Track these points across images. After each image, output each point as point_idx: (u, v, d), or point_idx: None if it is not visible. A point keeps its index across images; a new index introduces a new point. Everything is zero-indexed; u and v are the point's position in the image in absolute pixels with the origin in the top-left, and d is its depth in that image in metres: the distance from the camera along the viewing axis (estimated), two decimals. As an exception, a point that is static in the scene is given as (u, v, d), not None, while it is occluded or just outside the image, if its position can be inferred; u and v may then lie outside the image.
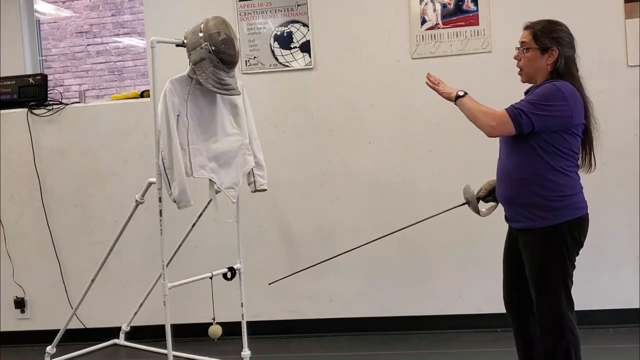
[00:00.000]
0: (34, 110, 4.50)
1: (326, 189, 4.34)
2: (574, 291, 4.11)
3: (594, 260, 4.15)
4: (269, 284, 3.84)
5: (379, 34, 4.23)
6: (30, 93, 4.52)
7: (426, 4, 4.17)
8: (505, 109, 2.56)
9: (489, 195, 2.92)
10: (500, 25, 4.10)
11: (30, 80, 4.55)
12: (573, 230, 2.64)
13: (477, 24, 4.13)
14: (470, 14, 4.14)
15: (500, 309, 4.30)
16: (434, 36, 4.18)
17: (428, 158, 4.22)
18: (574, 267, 2.70)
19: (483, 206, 2.97)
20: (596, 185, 4.12)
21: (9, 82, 4.56)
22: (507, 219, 2.82)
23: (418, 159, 4.23)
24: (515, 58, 2.75)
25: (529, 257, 2.70)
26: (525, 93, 2.79)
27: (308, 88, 4.31)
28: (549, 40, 2.64)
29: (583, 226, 2.70)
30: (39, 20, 5.64)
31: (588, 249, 4.11)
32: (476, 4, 4.13)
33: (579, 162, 2.72)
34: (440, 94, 2.77)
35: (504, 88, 4.08)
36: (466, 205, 2.98)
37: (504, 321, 4.18)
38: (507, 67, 4.08)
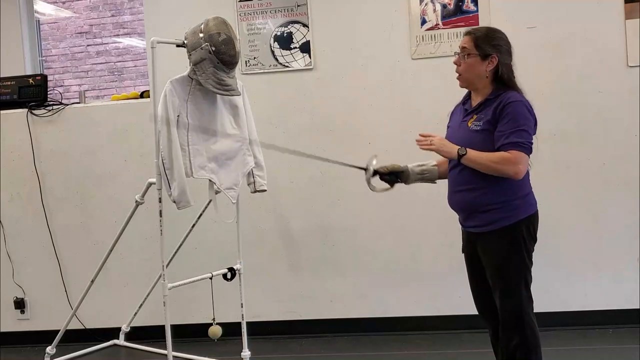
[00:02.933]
0: (34, 111, 4.50)
1: (326, 190, 4.34)
2: (575, 291, 4.16)
3: (594, 260, 4.16)
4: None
5: (379, 34, 4.23)
6: (30, 93, 4.52)
7: (426, 4, 4.17)
8: (516, 150, 2.57)
9: (388, 175, 2.90)
10: (500, 26, 4.03)
11: (30, 80, 4.55)
12: (529, 225, 2.71)
13: (477, 25, 4.12)
14: (470, 15, 4.14)
15: (500, 309, 4.30)
16: (434, 36, 4.18)
17: (428, 158, 4.20)
18: (532, 263, 2.76)
19: (378, 183, 2.91)
20: (596, 186, 4.14)
21: (9, 83, 4.56)
22: (464, 225, 2.85)
23: (418, 159, 4.21)
24: (455, 63, 2.77)
25: (489, 258, 2.74)
26: (463, 102, 2.83)
27: (308, 88, 4.31)
28: (489, 47, 2.68)
29: (536, 221, 2.76)
30: (39, 21, 5.64)
31: (588, 249, 4.16)
32: (476, 5, 4.13)
33: None
34: (442, 154, 2.73)
35: (504, 88, 4.10)
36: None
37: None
38: (507, 67, 4.11)
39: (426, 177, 2.96)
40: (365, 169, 2.88)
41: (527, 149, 2.60)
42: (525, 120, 2.62)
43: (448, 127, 2.95)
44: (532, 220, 2.73)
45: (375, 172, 2.88)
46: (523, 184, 2.70)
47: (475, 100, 2.78)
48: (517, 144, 2.58)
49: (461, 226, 2.89)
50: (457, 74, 2.77)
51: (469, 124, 2.73)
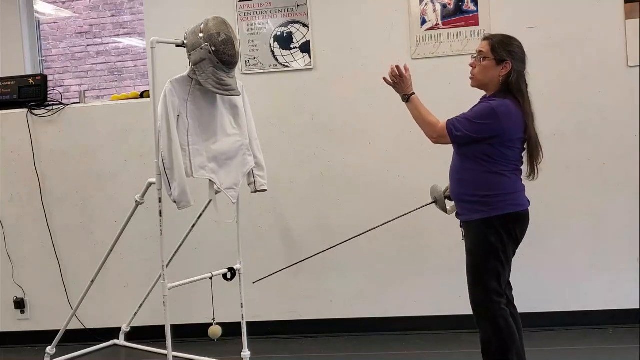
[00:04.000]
0: (34, 111, 4.51)
1: (326, 189, 4.34)
2: (577, 291, 4.16)
3: (594, 260, 4.16)
4: (253, 283, 3.85)
5: (379, 34, 4.23)
6: (30, 93, 4.52)
7: (426, 4, 4.18)
8: (447, 126, 2.81)
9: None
10: (500, 26, 4.09)
11: (30, 80, 4.55)
12: (507, 225, 2.81)
13: (477, 25, 4.13)
14: (470, 15, 4.14)
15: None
16: (434, 36, 4.18)
17: (428, 158, 4.21)
18: (509, 264, 2.87)
19: (448, 204, 3.20)
20: (596, 186, 4.14)
21: (9, 83, 4.55)
22: (457, 214, 3.05)
23: (418, 159, 4.23)
24: (471, 65, 2.93)
25: (467, 247, 2.93)
26: (481, 99, 2.99)
27: (308, 88, 4.31)
28: (505, 53, 2.83)
29: (519, 222, 2.86)
30: (39, 21, 5.63)
31: (588, 249, 4.16)
32: (476, 5, 4.13)
33: (526, 171, 2.92)
34: (396, 89, 3.01)
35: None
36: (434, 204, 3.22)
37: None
38: (507, 67, 4.12)
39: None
40: (436, 202, 3.21)
41: (454, 134, 2.79)
42: (479, 118, 2.77)
43: None
44: (509, 220, 2.82)
45: (445, 198, 3.17)
46: (504, 183, 2.82)
47: None
48: (452, 124, 2.80)
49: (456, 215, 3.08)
50: (470, 75, 2.94)
51: None
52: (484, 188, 2.82)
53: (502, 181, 2.82)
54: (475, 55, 2.91)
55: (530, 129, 2.84)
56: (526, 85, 2.88)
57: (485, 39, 2.91)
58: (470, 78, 2.94)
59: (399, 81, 2.96)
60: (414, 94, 2.97)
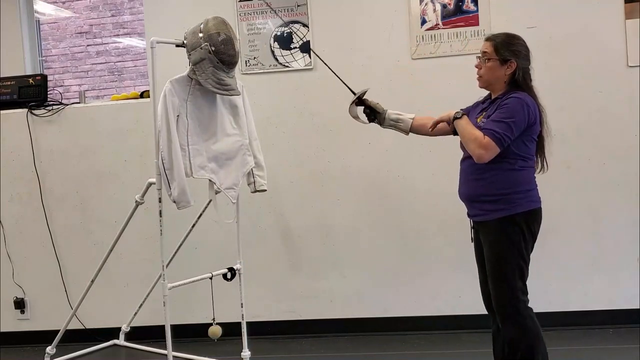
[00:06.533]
0: (33, 111, 4.50)
1: (326, 189, 4.34)
2: (575, 291, 4.16)
3: (594, 260, 4.16)
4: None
5: (379, 34, 4.23)
6: (30, 93, 4.52)
7: (426, 4, 4.18)
8: (489, 137, 2.73)
9: (368, 109, 3.18)
10: (500, 26, 4.08)
11: (30, 80, 4.55)
12: (528, 221, 2.80)
13: (477, 25, 4.13)
14: (470, 15, 4.14)
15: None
16: (434, 36, 4.18)
17: (428, 158, 4.22)
18: (529, 259, 2.85)
19: (359, 112, 3.20)
20: (596, 186, 4.14)
21: (9, 83, 4.55)
22: (468, 215, 3.00)
23: (418, 159, 4.23)
24: (476, 67, 2.94)
25: (487, 248, 2.86)
26: (483, 101, 3.00)
27: (308, 88, 4.31)
28: (508, 53, 2.85)
29: (536, 218, 2.86)
30: (38, 21, 5.64)
31: (588, 249, 4.16)
32: (476, 5, 4.13)
33: (537, 165, 2.93)
34: (443, 118, 2.99)
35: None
36: None
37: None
38: (507, 67, 4.11)
39: (399, 126, 3.21)
40: (354, 93, 3.16)
41: (499, 141, 2.72)
42: (513, 115, 2.73)
43: None
44: (531, 216, 2.82)
45: (361, 102, 3.16)
46: (524, 180, 2.82)
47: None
48: (493, 132, 2.72)
49: (468, 217, 3.01)
50: (478, 76, 2.94)
51: (478, 120, 2.88)
52: (506, 185, 2.79)
53: (523, 177, 2.82)
54: (479, 56, 2.93)
55: (543, 122, 2.86)
56: (531, 80, 2.90)
57: (488, 39, 2.92)
58: (477, 79, 2.95)
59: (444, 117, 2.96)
60: (459, 113, 2.90)
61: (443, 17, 4.16)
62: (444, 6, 4.16)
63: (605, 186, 4.12)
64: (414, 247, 4.28)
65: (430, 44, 4.18)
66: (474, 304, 4.19)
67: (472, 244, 3.03)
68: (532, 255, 2.86)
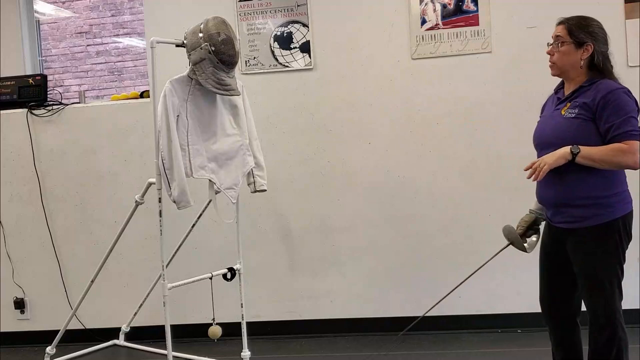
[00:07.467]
0: (33, 111, 4.50)
1: (326, 189, 4.34)
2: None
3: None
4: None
5: (379, 34, 4.23)
6: (30, 93, 4.52)
7: (426, 4, 4.17)
8: (630, 139, 2.48)
9: (528, 230, 2.86)
10: (500, 26, 4.10)
11: (30, 80, 4.55)
12: (626, 224, 2.60)
13: (477, 25, 4.13)
14: (470, 15, 4.14)
15: (501, 309, 4.31)
16: (434, 36, 4.18)
17: (428, 158, 4.22)
18: (625, 261, 2.65)
19: (527, 242, 2.87)
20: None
21: (8, 83, 4.55)
22: (552, 221, 2.72)
23: (418, 159, 4.23)
24: (548, 53, 2.71)
25: (581, 256, 2.63)
26: (556, 92, 2.78)
27: (308, 88, 4.31)
28: (584, 35, 2.64)
29: (631, 219, 2.64)
30: (38, 21, 5.63)
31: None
32: (476, 5, 4.13)
33: None
34: (559, 163, 2.55)
35: (504, 88, 4.10)
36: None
37: (504, 322, 4.20)
38: (507, 67, 4.12)
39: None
40: (513, 243, 2.82)
41: (638, 136, 2.49)
42: (630, 108, 2.54)
43: (540, 117, 2.86)
44: (628, 219, 2.61)
45: (522, 236, 2.84)
46: (618, 180, 2.59)
47: (569, 89, 2.70)
48: (629, 133, 2.48)
49: (549, 222, 2.77)
50: (550, 63, 2.70)
51: (563, 112, 2.64)
52: (602, 188, 2.54)
53: (619, 177, 2.58)
54: (551, 43, 2.70)
55: None
56: (611, 65, 2.68)
57: (561, 23, 2.70)
58: (550, 66, 2.70)
59: (544, 165, 2.54)
60: (575, 148, 2.52)
61: (443, 17, 4.16)
62: (444, 6, 4.16)
63: (606, 186, 4.11)
64: (414, 247, 4.27)
65: (430, 44, 4.18)
66: (474, 304, 4.21)
67: (538, 243, 2.82)
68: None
